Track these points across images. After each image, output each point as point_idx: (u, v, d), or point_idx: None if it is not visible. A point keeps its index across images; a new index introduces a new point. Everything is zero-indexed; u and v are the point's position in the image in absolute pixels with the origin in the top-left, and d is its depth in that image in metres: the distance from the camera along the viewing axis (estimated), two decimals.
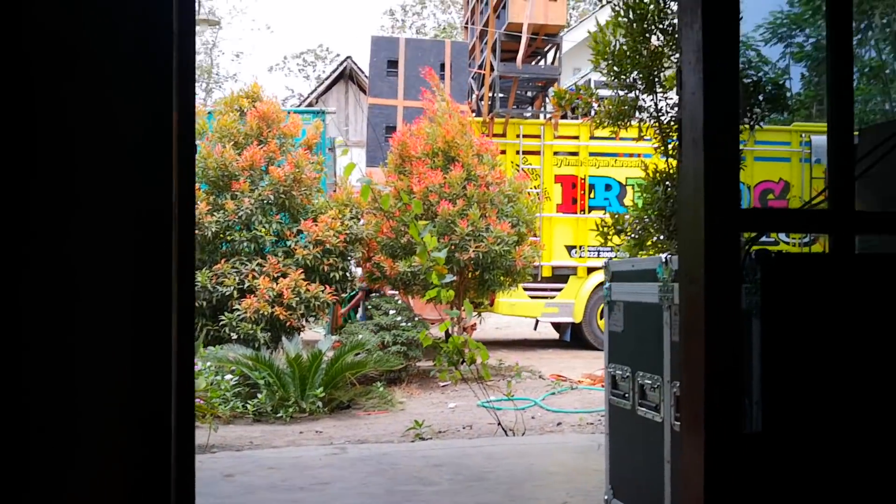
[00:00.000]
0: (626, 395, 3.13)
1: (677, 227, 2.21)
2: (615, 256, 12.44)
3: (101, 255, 1.49)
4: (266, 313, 8.62)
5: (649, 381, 2.93)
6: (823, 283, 2.23)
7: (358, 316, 10.62)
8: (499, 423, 6.50)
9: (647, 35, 6.43)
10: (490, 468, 4.86)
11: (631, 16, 6.38)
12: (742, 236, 2.18)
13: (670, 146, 6.54)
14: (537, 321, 13.46)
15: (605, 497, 3.33)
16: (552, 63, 14.67)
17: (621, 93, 6.86)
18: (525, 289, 12.30)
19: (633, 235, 6.75)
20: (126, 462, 1.52)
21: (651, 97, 6.61)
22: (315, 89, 25.68)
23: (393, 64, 14.18)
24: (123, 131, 1.50)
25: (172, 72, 1.55)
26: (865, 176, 2.38)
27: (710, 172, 2.05)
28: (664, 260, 2.85)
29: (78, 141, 1.48)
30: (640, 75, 6.53)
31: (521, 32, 13.61)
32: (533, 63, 14.77)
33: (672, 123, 6.57)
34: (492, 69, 13.94)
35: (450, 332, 7.07)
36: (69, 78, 1.47)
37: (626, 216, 6.81)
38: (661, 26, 6.38)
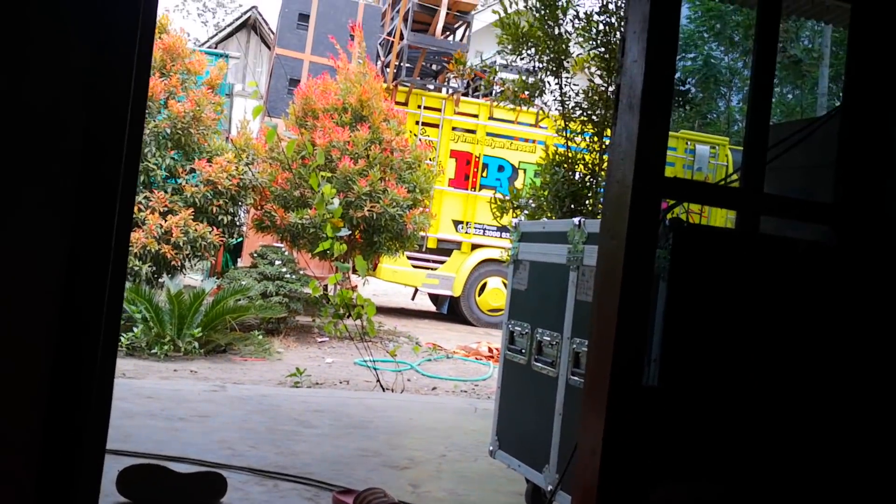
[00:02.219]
0: (523, 351, 3.25)
1: (605, 186, 2.34)
2: (501, 236, 12.71)
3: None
4: (153, 250, 8.39)
5: (548, 338, 3.05)
6: (728, 255, 2.40)
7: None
8: (377, 381, 6.57)
9: (556, 21, 6.59)
10: (370, 418, 4.93)
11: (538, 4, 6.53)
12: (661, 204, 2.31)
13: (569, 133, 6.73)
14: (416, 290, 13.59)
15: (491, 448, 3.45)
16: (461, 40, 14.76)
17: (527, 78, 7.01)
18: (409, 257, 12.41)
19: (526, 212, 6.93)
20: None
21: (556, 80, 6.78)
22: (215, 35, 24.82)
23: (304, 17, 13.96)
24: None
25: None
26: (774, 169, 2.56)
27: (643, 136, 2.17)
28: (577, 223, 2.98)
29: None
30: (548, 57, 6.68)
31: (432, 4, 13.62)
32: (442, 38, 14.82)
33: (575, 108, 6.76)
34: (401, 37, 13.89)
35: (338, 285, 7.08)
36: None
37: (524, 193, 6.97)
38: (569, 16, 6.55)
